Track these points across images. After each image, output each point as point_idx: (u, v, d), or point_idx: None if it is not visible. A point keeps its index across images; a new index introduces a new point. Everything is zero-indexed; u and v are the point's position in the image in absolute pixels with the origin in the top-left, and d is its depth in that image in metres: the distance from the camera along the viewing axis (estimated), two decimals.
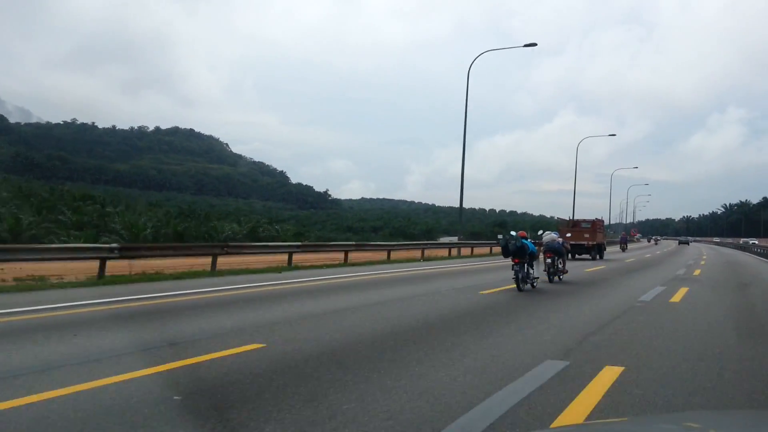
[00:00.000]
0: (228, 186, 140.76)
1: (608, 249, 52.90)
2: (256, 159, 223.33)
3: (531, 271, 12.88)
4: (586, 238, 30.04)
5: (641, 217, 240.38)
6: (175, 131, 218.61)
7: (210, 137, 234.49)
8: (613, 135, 70.89)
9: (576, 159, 67.73)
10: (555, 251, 15.10)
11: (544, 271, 14.69)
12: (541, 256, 14.62)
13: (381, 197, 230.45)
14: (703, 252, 48.28)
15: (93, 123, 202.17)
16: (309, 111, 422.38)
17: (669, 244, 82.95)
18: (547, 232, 16.25)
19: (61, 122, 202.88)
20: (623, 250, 48.26)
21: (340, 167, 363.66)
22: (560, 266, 15.26)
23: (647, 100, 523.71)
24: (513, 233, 13.20)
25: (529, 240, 13.26)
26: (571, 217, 37.62)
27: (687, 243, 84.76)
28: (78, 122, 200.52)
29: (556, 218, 59.04)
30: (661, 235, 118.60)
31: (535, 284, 13.06)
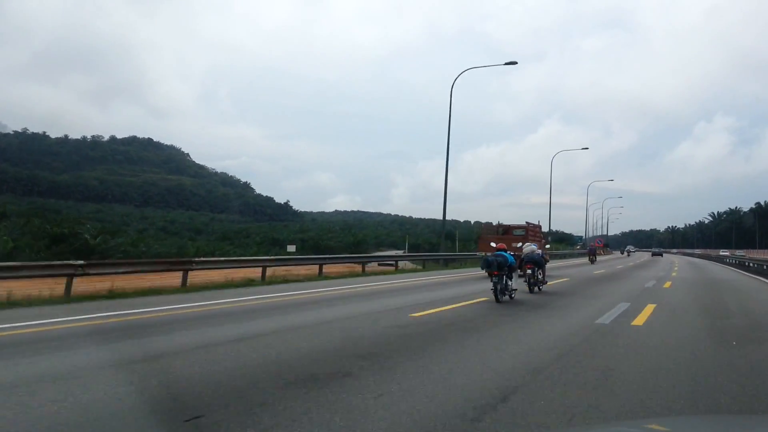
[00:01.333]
0: (179, 198, 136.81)
1: (575, 261, 52.61)
2: (231, 173, 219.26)
3: (509, 282, 13.28)
4: (518, 249, 26.23)
5: (625, 228, 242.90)
6: (131, 141, 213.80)
7: (171, 147, 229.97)
8: (586, 148, 70.74)
9: (551, 172, 66.20)
10: (535, 262, 15.72)
11: (525, 281, 15.41)
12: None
13: (365, 210, 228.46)
14: (675, 264, 47.49)
15: (44, 132, 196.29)
16: (290, 124, 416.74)
17: (642, 256, 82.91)
18: (527, 244, 16.95)
19: (11, 132, 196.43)
20: (592, 262, 47.32)
21: (323, 181, 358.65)
22: (540, 277, 15.80)
23: (633, 108, 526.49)
24: (493, 244, 14.65)
25: (508, 252, 13.82)
26: (527, 223, 32.26)
27: (660, 255, 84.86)
28: (29, 132, 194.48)
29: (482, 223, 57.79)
30: (645, 247, 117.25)
31: (513, 296, 13.42)
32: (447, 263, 32.48)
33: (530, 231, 25.16)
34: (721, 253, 77.25)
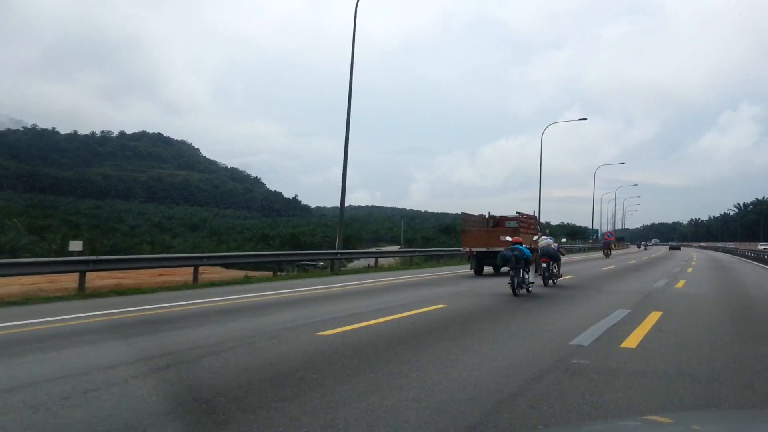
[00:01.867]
0: (184, 193, 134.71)
1: (589, 255, 49.28)
2: (251, 170, 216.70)
3: (527, 276, 13.37)
4: (506, 243, 20.02)
5: (647, 221, 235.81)
6: (141, 136, 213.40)
7: (181, 142, 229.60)
8: (584, 119, 66.69)
9: (540, 149, 60.86)
10: (550, 256, 15.72)
11: (539, 275, 15.34)
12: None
13: (383, 205, 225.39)
14: (694, 258, 44.28)
15: (53, 128, 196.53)
16: (307, 120, 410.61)
17: (660, 249, 79.47)
18: (543, 238, 17.10)
19: (20, 129, 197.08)
20: (606, 256, 44.55)
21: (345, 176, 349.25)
22: (555, 270, 15.94)
23: (655, 97, 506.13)
24: (508, 238, 14.98)
25: (524, 246, 13.95)
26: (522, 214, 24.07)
27: (678, 248, 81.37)
28: (38, 128, 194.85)
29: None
30: (668, 241, 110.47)
31: (530, 289, 13.59)
32: (438, 260, 29.98)
33: (523, 223, 21.68)
34: (760, 247, 64.27)
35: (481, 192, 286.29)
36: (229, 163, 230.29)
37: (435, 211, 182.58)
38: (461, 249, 21.39)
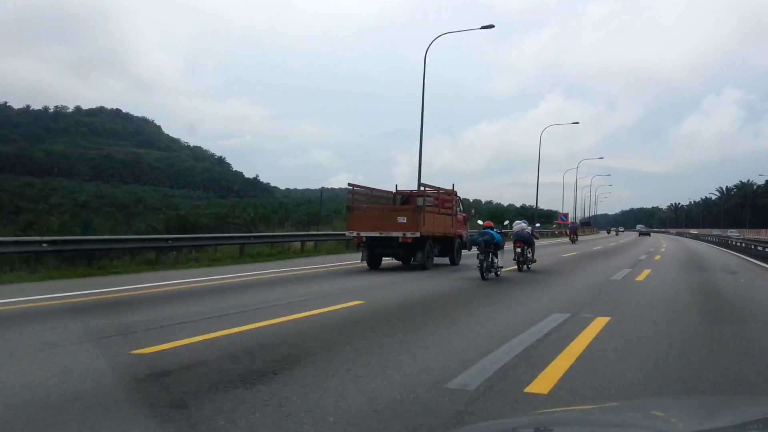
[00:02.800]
0: (135, 172, 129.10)
1: (555, 240, 46.72)
2: (233, 152, 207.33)
3: (496, 260, 13.42)
4: (402, 226, 15.62)
5: (626, 206, 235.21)
6: (98, 112, 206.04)
7: (142, 119, 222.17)
8: (576, 123, 66.02)
9: (539, 148, 60.93)
10: (524, 240, 15.73)
11: (513, 260, 15.53)
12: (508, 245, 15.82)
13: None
14: (663, 245, 42.69)
15: (6, 103, 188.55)
16: (287, 101, 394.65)
17: (630, 235, 78.22)
18: (516, 222, 16.76)
19: None
20: (573, 241, 42.90)
21: (321, 159, 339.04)
22: (530, 255, 15.93)
23: (638, 80, 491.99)
24: (479, 222, 15.46)
25: (495, 230, 14.08)
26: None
27: (648, 234, 79.94)
28: None
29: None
30: (647, 226, 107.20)
31: (499, 273, 13.69)
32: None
33: (441, 199, 17.43)
34: (730, 233, 63.49)
35: (464, 176, 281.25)
36: (211, 147, 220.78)
37: None
38: (347, 233, 16.95)
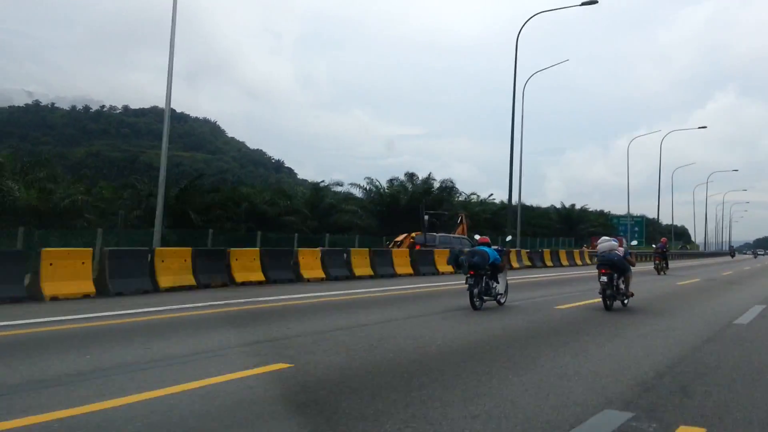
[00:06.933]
0: (125, 173, 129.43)
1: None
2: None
3: (495, 284, 12.93)
4: None
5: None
6: (147, 112, 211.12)
7: (204, 121, 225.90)
8: (704, 127, 61.39)
9: (660, 159, 56.38)
10: (613, 266, 12.94)
11: (599, 293, 13.02)
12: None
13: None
14: None
15: (53, 105, 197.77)
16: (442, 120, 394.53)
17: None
18: (603, 239, 14.11)
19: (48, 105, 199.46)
20: (658, 270, 30.47)
21: (463, 174, 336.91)
22: (622, 286, 13.29)
23: None
24: (476, 237, 14.97)
25: (493, 247, 13.29)
26: None
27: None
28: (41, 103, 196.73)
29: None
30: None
31: (503, 301, 13.26)
32: None
33: None
34: None
35: (622, 192, 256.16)
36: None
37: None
38: None
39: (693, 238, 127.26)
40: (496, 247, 13.82)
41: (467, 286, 12.55)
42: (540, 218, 72.15)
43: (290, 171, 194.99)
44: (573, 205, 76.32)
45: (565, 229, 69.27)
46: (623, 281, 13.37)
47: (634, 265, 14.63)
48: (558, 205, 78.25)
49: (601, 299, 12.97)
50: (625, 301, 13.57)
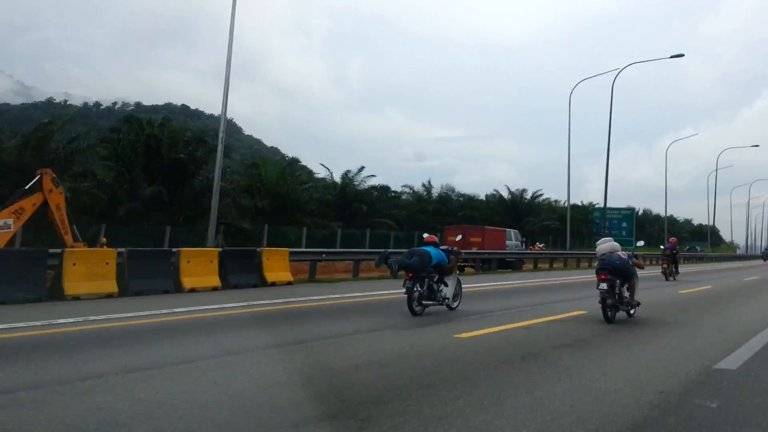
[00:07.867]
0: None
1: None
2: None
3: (441, 287, 12.24)
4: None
5: None
6: (160, 108, 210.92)
7: (219, 118, 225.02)
8: (756, 146, 60.66)
9: (716, 173, 55.95)
10: (615, 270, 11.57)
11: (599, 302, 11.52)
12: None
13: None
14: None
15: (65, 101, 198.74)
16: (485, 121, 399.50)
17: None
18: (603, 240, 12.92)
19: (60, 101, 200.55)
20: (666, 275, 28.02)
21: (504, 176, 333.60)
22: (626, 294, 11.87)
23: None
24: (425, 235, 13.38)
25: (441, 248, 12.66)
26: None
27: None
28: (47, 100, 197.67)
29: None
30: None
31: (454, 305, 12.66)
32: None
33: None
34: None
35: (663, 193, 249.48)
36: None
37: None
38: None
39: (731, 239, 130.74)
40: (444, 247, 13.05)
41: (404, 290, 11.68)
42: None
43: (304, 168, 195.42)
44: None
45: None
46: (627, 288, 11.99)
47: (642, 268, 13.22)
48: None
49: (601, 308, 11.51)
50: (632, 312, 12.18)
